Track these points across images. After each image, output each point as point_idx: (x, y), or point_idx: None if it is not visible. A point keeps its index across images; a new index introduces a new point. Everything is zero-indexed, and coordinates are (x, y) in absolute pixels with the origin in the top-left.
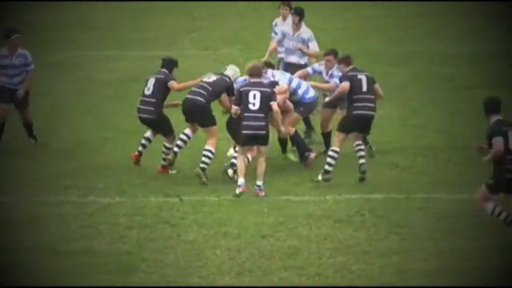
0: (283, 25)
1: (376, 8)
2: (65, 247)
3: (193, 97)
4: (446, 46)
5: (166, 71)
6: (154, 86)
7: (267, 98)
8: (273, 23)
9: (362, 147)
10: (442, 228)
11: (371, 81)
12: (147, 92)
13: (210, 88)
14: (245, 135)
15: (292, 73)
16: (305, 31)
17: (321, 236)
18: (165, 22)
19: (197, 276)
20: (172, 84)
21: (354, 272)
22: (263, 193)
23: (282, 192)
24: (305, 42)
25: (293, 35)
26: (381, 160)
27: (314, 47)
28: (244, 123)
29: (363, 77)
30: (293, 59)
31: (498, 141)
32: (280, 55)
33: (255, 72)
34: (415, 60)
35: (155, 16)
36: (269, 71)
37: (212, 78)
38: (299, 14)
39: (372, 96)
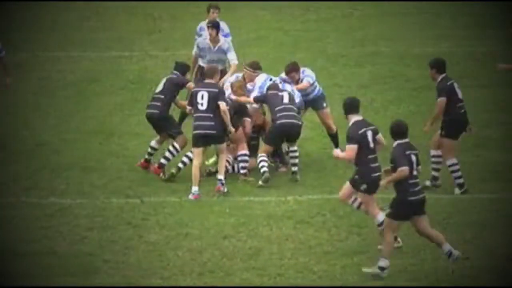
0: (203, 42)
1: (336, 9)
2: (25, 249)
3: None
4: (409, 47)
5: (179, 73)
6: (164, 84)
7: (214, 98)
8: (198, 28)
9: (296, 154)
10: (403, 228)
11: (292, 98)
12: (157, 90)
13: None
14: (195, 135)
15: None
16: (224, 42)
17: (282, 236)
18: (126, 23)
19: (159, 277)
20: (190, 85)
21: (316, 272)
22: (226, 189)
23: (243, 193)
24: (225, 52)
25: (214, 48)
26: (342, 160)
27: (232, 56)
28: (195, 123)
29: (284, 94)
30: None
31: (351, 149)
32: (200, 64)
33: (208, 73)
34: (377, 61)
35: (116, 17)
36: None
37: None
38: (216, 27)
39: (295, 108)
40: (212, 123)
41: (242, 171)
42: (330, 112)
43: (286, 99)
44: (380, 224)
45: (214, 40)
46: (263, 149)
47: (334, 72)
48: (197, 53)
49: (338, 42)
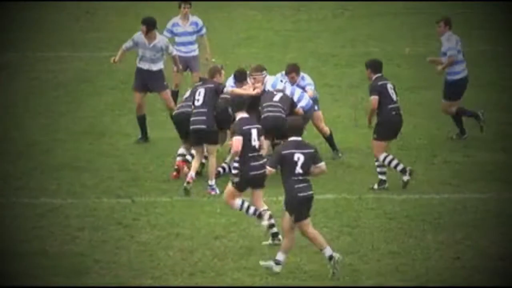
0: (139, 37)
1: (327, 9)
2: (16, 249)
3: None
4: (399, 47)
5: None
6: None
7: (210, 93)
8: (171, 23)
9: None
10: (394, 228)
11: (285, 99)
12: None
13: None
14: (191, 130)
15: (144, 79)
16: (161, 40)
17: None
18: (117, 23)
19: (150, 277)
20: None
21: (307, 272)
22: (217, 191)
23: None
24: (163, 50)
25: (149, 45)
26: (333, 160)
27: (171, 49)
28: (191, 119)
29: (278, 94)
30: (146, 66)
31: (237, 140)
32: (138, 65)
33: (210, 73)
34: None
35: (107, 17)
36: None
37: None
38: (147, 24)
39: (282, 106)
40: (204, 117)
41: (234, 171)
42: (321, 115)
43: (276, 98)
44: (240, 208)
45: (149, 36)
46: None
47: (324, 72)
48: (128, 47)
49: (328, 42)
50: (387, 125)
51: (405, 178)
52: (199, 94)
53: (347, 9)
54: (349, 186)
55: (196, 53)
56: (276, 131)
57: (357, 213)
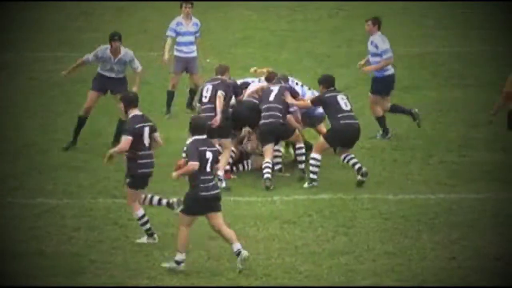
0: (104, 52)
1: (323, 9)
2: (13, 249)
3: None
4: (394, 47)
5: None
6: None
7: (216, 90)
8: (174, 23)
9: (302, 151)
10: (389, 229)
11: (279, 95)
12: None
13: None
14: None
15: (106, 83)
16: (126, 54)
17: (268, 237)
18: (112, 24)
19: (146, 277)
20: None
21: (302, 272)
22: (224, 184)
23: (230, 193)
24: (127, 64)
25: (114, 60)
26: (328, 160)
27: (136, 65)
28: (200, 115)
29: (275, 89)
30: (113, 75)
31: (126, 140)
32: (100, 71)
33: (219, 70)
34: None
35: (105, 17)
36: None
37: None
38: (120, 39)
39: (278, 106)
40: (213, 114)
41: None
42: (324, 126)
43: (272, 97)
44: (140, 218)
45: (116, 51)
46: (266, 151)
47: (320, 72)
48: (90, 61)
49: (324, 42)
50: (334, 134)
51: (306, 185)
52: (206, 91)
53: (342, 9)
54: (344, 186)
55: (196, 54)
56: (278, 136)
57: (353, 213)
